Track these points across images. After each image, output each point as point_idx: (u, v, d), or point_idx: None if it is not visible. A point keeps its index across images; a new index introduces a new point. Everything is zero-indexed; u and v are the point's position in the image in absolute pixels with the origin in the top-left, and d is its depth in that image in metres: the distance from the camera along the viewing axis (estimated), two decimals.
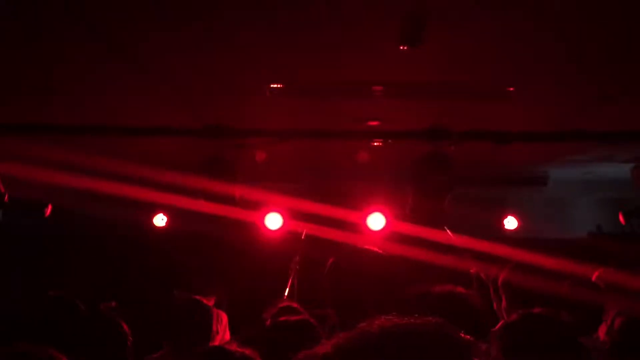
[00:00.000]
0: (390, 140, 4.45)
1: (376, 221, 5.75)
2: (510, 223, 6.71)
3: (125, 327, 2.73)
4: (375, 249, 2.33)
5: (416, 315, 1.06)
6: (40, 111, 4.61)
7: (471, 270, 5.26)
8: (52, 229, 6.75)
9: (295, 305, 3.42)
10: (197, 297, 3.54)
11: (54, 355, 1.91)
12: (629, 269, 3.20)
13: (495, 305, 3.17)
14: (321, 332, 2.86)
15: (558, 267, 3.15)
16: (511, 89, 3.82)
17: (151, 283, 6.41)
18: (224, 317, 5.99)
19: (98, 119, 4.65)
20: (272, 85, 3.87)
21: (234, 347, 2.16)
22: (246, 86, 3.97)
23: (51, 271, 6.71)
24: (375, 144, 4.61)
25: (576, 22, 2.84)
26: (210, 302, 5.88)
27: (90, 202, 5.68)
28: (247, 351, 2.10)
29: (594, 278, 2.92)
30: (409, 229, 5.25)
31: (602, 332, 3.07)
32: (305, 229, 5.98)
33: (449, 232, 5.54)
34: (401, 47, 2.93)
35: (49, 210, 6.04)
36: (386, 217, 5.71)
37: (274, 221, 6.06)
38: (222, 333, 5.95)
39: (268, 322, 3.23)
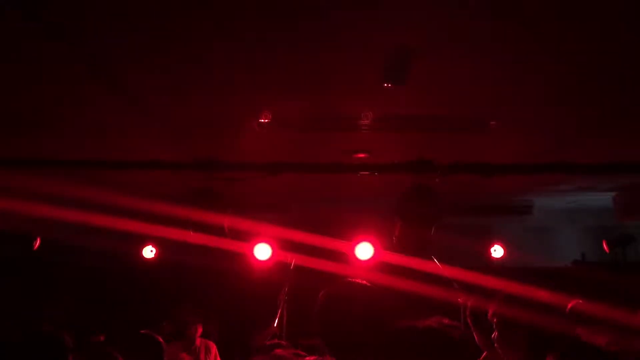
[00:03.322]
0: (376, 173, 4.53)
1: (364, 251, 5.78)
2: (497, 252, 6.78)
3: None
4: (365, 282, 2.38)
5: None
6: (31, 145, 4.66)
7: (459, 300, 5.30)
8: (40, 261, 6.73)
9: (282, 340, 3.45)
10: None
11: None
12: (612, 299, 3.26)
13: (476, 336, 3.21)
14: None
15: (545, 298, 3.20)
16: (493, 122, 3.93)
17: (140, 315, 6.37)
18: (213, 347, 5.98)
19: (89, 152, 4.70)
20: (260, 120, 3.95)
21: None
22: (235, 121, 4.05)
23: (39, 304, 6.66)
24: (361, 175, 4.69)
25: (556, 58, 2.96)
26: (198, 331, 5.88)
27: (79, 234, 5.68)
28: None
29: (568, 308, 2.98)
30: (396, 258, 5.30)
31: None
32: (293, 259, 6.01)
33: (436, 262, 5.60)
34: (385, 85, 3.03)
35: (37, 243, 6.03)
36: (374, 247, 5.75)
37: (263, 251, 6.08)
38: None
39: (254, 347, 3.28)
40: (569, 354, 2.38)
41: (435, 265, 5.57)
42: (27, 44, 2.79)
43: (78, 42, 2.76)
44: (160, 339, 3.41)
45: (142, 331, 3.59)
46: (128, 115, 3.91)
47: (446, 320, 2.57)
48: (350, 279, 2.39)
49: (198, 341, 5.86)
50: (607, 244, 6.43)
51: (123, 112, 3.86)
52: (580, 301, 3.00)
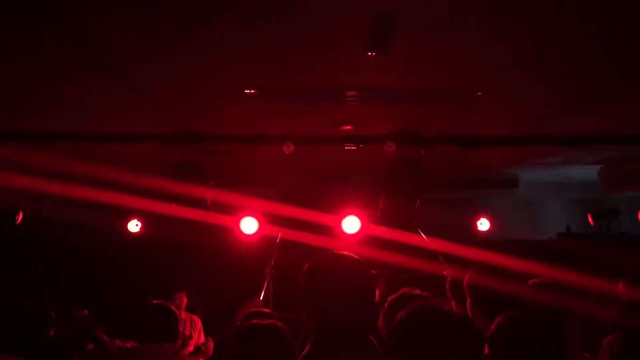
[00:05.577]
0: (362, 145, 4.50)
1: (351, 224, 5.77)
2: (483, 225, 6.81)
3: (104, 336, 2.70)
4: (351, 254, 2.34)
5: None
6: (12, 117, 4.57)
7: (444, 273, 5.33)
8: (24, 235, 6.67)
9: (267, 310, 3.43)
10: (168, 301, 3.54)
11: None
12: (594, 270, 3.28)
13: (455, 308, 3.21)
14: (293, 336, 2.89)
15: (527, 269, 3.21)
16: (480, 93, 3.90)
17: (126, 289, 6.36)
18: (198, 322, 5.99)
19: (71, 125, 4.62)
20: (245, 91, 3.89)
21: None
22: (220, 92, 3.99)
23: (24, 279, 6.62)
24: (347, 148, 4.65)
25: (544, 29, 2.92)
26: (182, 302, 5.89)
27: (63, 208, 5.63)
28: None
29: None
30: (382, 232, 5.29)
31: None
32: (280, 233, 5.99)
33: (422, 235, 5.61)
34: (369, 54, 2.97)
35: (20, 217, 5.96)
36: (361, 220, 5.73)
37: (249, 226, 6.05)
38: (197, 336, 5.95)
39: (238, 324, 3.26)
40: (519, 316, 2.38)
41: (420, 239, 5.58)
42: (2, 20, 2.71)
43: (56, 16, 2.68)
44: (174, 308, 3.37)
45: (154, 301, 3.55)
46: (108, 87, 3.83)
47: (417, 291, 2.56)
48: (334, 252, 2.35)
49: (183, 314, 5.87)
50: (592, 217, 6.49)
51: (103, 85, 3.78)
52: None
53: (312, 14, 2.76)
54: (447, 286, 3.33)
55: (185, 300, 5.88)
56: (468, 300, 2.95)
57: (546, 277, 2.99)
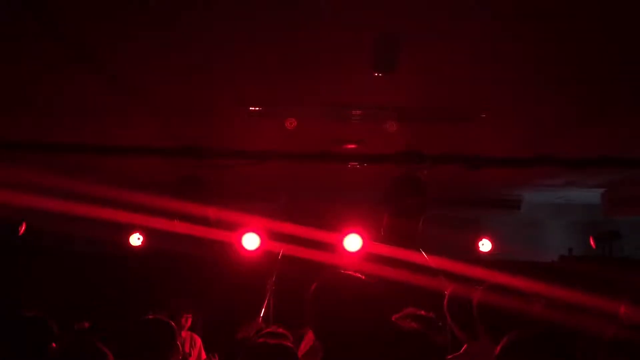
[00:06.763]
0: (366, 164, 4.52)
1: (353, 242, 5.78)
2: (485, 245, 6.81)
3: (106, 351, 2.68)
4: (357, 274, 2.37)
5: None
6: (15, 129, 4.59)
7: (446, 292, 5.32)
8: (28, 248, 6.68)
9: (279, 329, 3.39)
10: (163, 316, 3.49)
11: None
12: (597, 291, 3.28)
13: (455, 328, 3.21)
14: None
15: (530, 290, 3.21)
16: (484, 115, 3.92)
17: (127, 303, 6.34)
18: (198, 340, 5.96)
19: (75, 137, 4.64)
20: (250, 108, 3.92)
21: None
22: (225, 108, 4.02)
23: (27, 291, 6.61)
24: (350, 166, 4.67)
25: (549, 51, 2.95)
26: (187, 323, 5.86)
27: (66, 221, 5.64)
28: None
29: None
30: (384, 250, 5.30)
31: None
32: (281, 250, 5.99)
33: (424, 254, 5.60)
34: (375, 74, 3.00)
35: (23, 228, 5.97)
36: (363, 238, 5.74)
37: (251, 241, 6.06)
38: (197, 355, 5.91)
39: (240, 338, 3.24)
40: (525, 336, 2.38)
41: (422, 257, 5.58)
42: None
43: (58, 21, 2.70)
44: (173, 323, 3.33)
45: (150, 316, 3.51)
46: (111, 100, 3.85)
47: (422, 312, 2.57)
48: (342, 271, 2.38)
49: (184, 333, 5.84)
50: (594, 240, 6.48)
51: (107, 98, 3.81)
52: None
53: (318, 34, 2.80)
54: (444, 303, 3.33)
55: (190, 321, 5.86)
56: (478, 322, 2.94)
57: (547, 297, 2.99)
